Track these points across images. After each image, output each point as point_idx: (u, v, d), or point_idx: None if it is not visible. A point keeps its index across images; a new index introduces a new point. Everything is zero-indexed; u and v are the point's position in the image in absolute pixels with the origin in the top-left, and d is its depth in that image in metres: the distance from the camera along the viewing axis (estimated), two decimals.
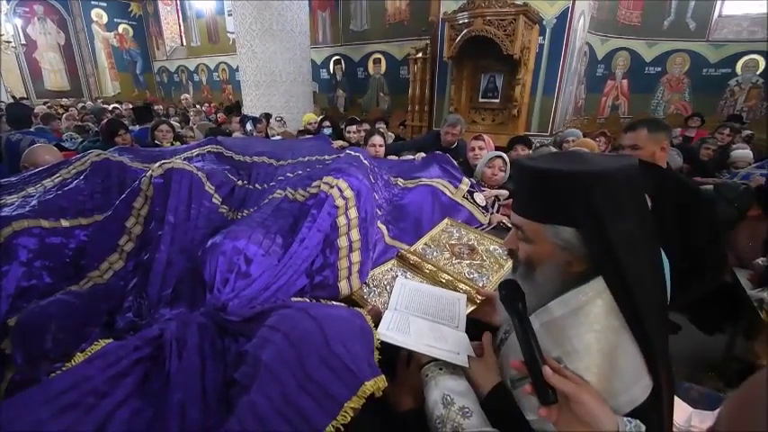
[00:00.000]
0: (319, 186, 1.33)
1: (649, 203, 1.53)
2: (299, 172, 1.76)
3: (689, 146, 5.30)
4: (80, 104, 10.28)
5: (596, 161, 0.72)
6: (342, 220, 1.24)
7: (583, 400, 0.58)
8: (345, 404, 0.61)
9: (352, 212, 1.26)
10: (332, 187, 1.28)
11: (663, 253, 1.26)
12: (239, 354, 0.74)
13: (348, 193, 1.27)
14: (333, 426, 0.58)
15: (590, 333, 0.66)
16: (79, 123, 6.28)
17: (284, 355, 0.65)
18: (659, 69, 7.74)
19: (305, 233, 1.21)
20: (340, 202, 1.25)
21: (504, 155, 2.57)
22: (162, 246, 1.11)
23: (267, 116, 5.80)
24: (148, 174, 1.34)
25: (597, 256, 0.67)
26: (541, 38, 4.96)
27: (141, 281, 1.08)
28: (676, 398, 1.48)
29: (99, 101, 11.36)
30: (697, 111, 6.99)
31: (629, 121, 7.89)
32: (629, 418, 0.60)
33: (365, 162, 1.67)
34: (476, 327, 1.04)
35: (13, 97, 8.61)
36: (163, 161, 1.41)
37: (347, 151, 1.82)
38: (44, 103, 9.62)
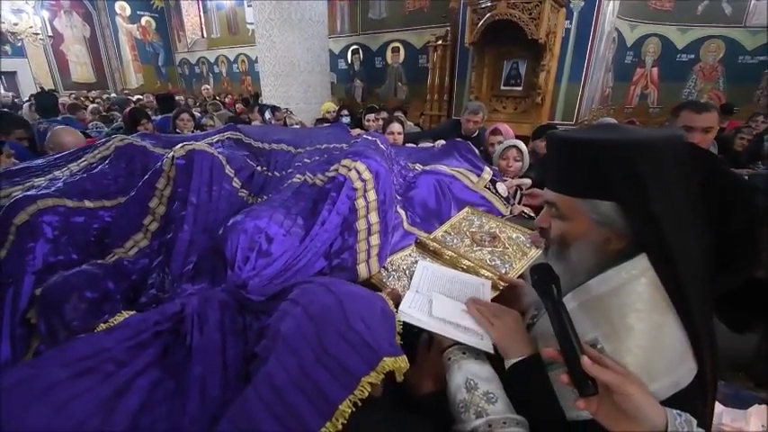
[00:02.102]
0: (337, 170, 1.31)
1: None
2: (317, 158, 1.75)
3: (722, 135, 5.06)
4: (105, 96, 10.55)
5: (638, 131, 0.67)
6: (360, 203, 1.22)
7: (628, 391, 0.54)
8: (363, 379, 0.59)
9: (371, 195, 1.24)
10: (350, 170, 1.26)
11: None
12: (261, 329, 0.73)
13: (366, 175, 1.25)
14: (350, 400, 0.57)
15: (632, 313, 0.62)
16: (104, 113, 6.43)
17: (302, 327, 0.64)
18: (692, 57, 7.37)
19: (325, 216, 1.20)
20: (358, 184, 1.24)
21: (520, 143, 2.49)
22: (185, 225, 1.12)
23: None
24: (170, 155, 1.35)
25: (639, 232, 0.63)
26: (568, 22, 4.76)
27: (165, 258, 1.09)
28: None
29: (124, 92, 11.64)
30: (730, 101, 6.63)
31: (658, 110, 7.63)
32: (679, 411, 0.56)
33: (382, 146, 1.64)
34: None
35: (42, 89, 8.90)
36: (185, 143, 1.41)
37: (364, 136, 1.80)
38: (70, 95, 9.91)
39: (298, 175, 1.47)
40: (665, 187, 0.61)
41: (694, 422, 0.55)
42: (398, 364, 0.64)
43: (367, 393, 0.58)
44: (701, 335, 0.63)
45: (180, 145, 1.39)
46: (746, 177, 3.04)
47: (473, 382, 0.74)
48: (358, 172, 1.24)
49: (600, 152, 0.63)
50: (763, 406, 1.43)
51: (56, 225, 1.21)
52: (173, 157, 1.33)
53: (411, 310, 0.87)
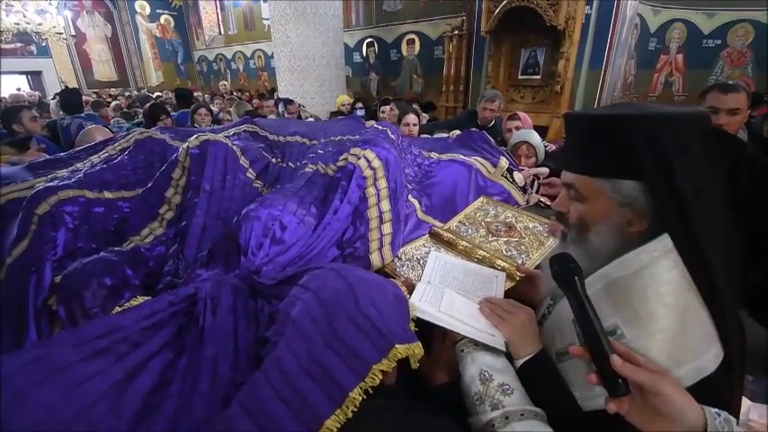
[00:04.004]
0: (347, 158, 1.30)
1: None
2: (330, 149, 1.74)
3: (750, 121, 4.82)
4: (126, 93, 10.81)
5: (660, 107, 0.64)
6: (371, 191, 1.21)
7: (664, 391, 0.50)
8: (374, 366, 0.57)
9: (382, 183, 1.23)
10: (359, 158, 1.25)
11: None
12: (272, 314, 0.73)
13: (376, 163, 1.24)
14: (361, 387, 0.56)
15: (654, 297, 0.60)
16: (126, 110, 6.59)
17: (312, 312, 0.63)
18: (719, 42, 7.05)
19: (337, 205, 1.20)
20: (368, 172, 1.23)
21: (531, 136, 2.40)
22: (198, 211, 1.14)
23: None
24: (185, 146, 1.37)
25: (664, 211, 0.60)
26: (588, 7, 4.61)
27: (179, 245, 1.10)
28: None
29: (143, 90, 11.90)
30: (760, 88, 6.31)
31: (683, 98, 7.34)
32: (718, 410, 0.52)
33: (392, 136, 1.62)
34: None
35: (66, 87, 9.19)
36: (199, 134, 1.43)
37: (374, 125, 1.78)
38: (93, 93, 10.19)
39: (310, 165, 1.47)
40: (690, 163, 0.58)
41: (734, 421, 0.52)
42: (412, 350, 0.62)
43: (378, 381, 0.57)
44: (728, 319, 0.59)
45: (195, 136, 1.41)
46: None
47: (487, 374, 0.72)
48: (367, 160, 1.23)
49: (621, 127, 0.61)
50: None
51: (76, 215, 1.24)
52: (187, 147, 1.35)
53: (422, 305, 0.85)
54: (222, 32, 13.61)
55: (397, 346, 0.60)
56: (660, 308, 0.59)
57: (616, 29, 4.76)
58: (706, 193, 0.59)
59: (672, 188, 0.58)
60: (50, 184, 1.31)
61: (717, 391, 0.57)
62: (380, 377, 0.57)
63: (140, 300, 0.75)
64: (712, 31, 7.04)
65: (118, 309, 0.73)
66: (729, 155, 1.39)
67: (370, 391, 0.56)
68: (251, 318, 0.78)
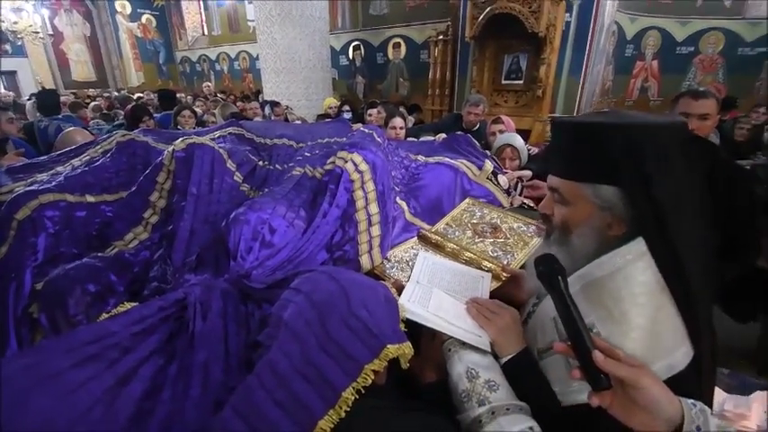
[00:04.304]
0: (334, 162, 1.31)
1: None
2: (317, 152, 1.75)
3: (721, 124, 5.03)
4: (106, 94, 10.55)
5: (643, 116, 0.67)
6: (359, 194, 1.22)
7: (643, 384, 0.53)
8: (366, 366, 0.59)
9: (369, 186, 1.24)
10: (346, 162, 1.26)
11: None
12: (263, 318, 0.74)
13: (363, 166, 1.25)
14: (353, 387, 0.57)
15: (629, 297, 0.63)
16: (105, 112, 6.43)
17: (305, 314, 0.63)
18: (692, 49, 7.34)
19: (326, 208, 1.20)
20: (355, 175, 1.24)
21: (515, 139, 2.46)
22: (185, 215, 1.13)
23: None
24: (170, 149, 1.35)
25: (639, 216, 0.63)
26: (568, 15, 4.73)
27: (166, 249, 1.09)
28: None
29: (123, 91, 11.63)
30: (731, 92, 6.60)
31: (658, 103, 7.58)
32: (693, 401, 0.55)
33: (378, 139, 1.64)
34: None
35: (43, 87, 8.92)
36: (185, 137, 1.41)
37: (361, 128, 1.80)
38: (71, 94, 9.90)
39: (298, 168, 1.47)
40: (668, 172, 0.61)
41: (708, 411, 0.55)
42: (402, 350, 0.64)
43: (370, 381, 0.58)
44: (699, 320, 0.62)
45: (180, 139, 1.39)
46: (747, 168, 3.03)
47: (474, 372, 0.74)
48: (354, 163, 1.24)
49: (603, 135, 0.63)
50: (765, 392, 1.44)
51: (57, 220, 1.21)
52: (173, 150, 1.33)
53: (410, 304, 0.87)
54: (206, 33, 13.42)
55: (388, 346, 0.61)
56: (633, 308, 0.62)
57: (595, 36, 4.90)
58: (684, 200, 0.62)
59: (649, 195, 0.61)
60: (31, 188, 1.28)
61: (687, 387, 0.59)
62: (372, 377, 0.58)
63: (127, 306, 0.75)
64: (685, 39, 7.32)
65: (105, 315, 0.72)
66: (706, 159, 1.45)
67: (363, 391, 0.57)
68: (241, 322, 0.78)
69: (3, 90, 10.14)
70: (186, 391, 0.65)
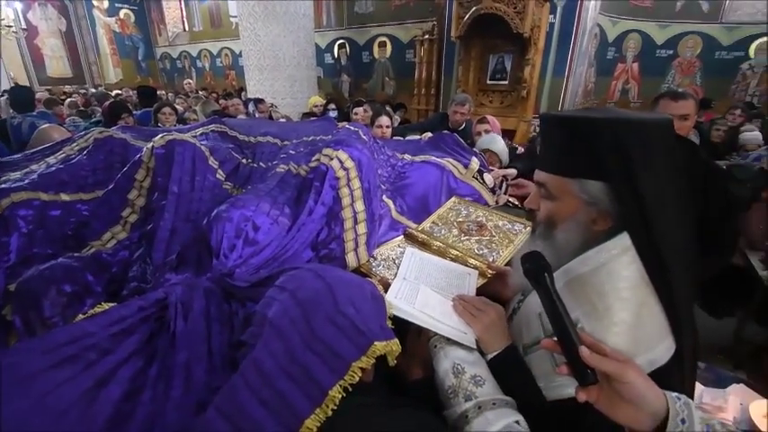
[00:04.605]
0: (319, 159, 1.30)
1: None
2: (302, 149, 1.73)
3: (699, 126, 5.19)
4: (82, 91, 10.23)
5: (629, 112, 0.68)
6: (345, 191, 1.21)
7: (629, 378, 0.53)
8: (353, 364, 0.58)
9: (355, 183, 1.23)
10: (332, 159, 1.25)
11: None
12: (247, 317, 0.72)
13: (349, 163, 1.24)
14: (341, 385, 0.56)
15: (612, 292, 0.63)
16: (82, 108, 6.24)
17: (290, 312, 0.62)
18: (671, 52, 7.57)
19: (311, 206, 1.19)
20: (341, 173, 1.23)
21: (496, 144, 2.48)
22: (166, 214, 1.10)
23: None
24: (149, 145, 1.31)
25: (624, 211, 0.63)
26: (552, 16, 4.83)
27: (146, 249, 1.06)
28: None
29: (101, 88, 11.30)
30: (708, 95, 6.82)
31: (638, 105, 7.78)
32: (677, 394, 0.56)
33: (364, 137, 1.63)
34: None
35: (16, 84, 8.60)
36: (165, 133, 1.37)
37: (346, 126, 1.79)
38: (47, 90, 9.57)
39: (282, 165, 1.45)
40: (653, 168, 0.62)
41: (692, 404, 0.55)
42: (390, 347, 0.63)
43: (357, 378, 0.57)
44: (681, 315, 0.63)
45: (160, 135, 1.35)
46: (724, 167, 3.13)
47: (460, 367, 0.74)
48: (340, 161, 1.23)
49: (589, 129, 0.64)
50: (741, 385, 1.48)
51: (30, 219, 1.16)
52: (152, 147, 1.30)
53: (398, 302, 0.86)
54: (187, 29, 13.14)
55: (375, 343, 0.60)
56: (617, 302, 0.63)
57: (578, 38, 5.00)
58: (669, 197, 0.63)
59: (635, 191, 0.61)
60: (2, 186, 1.22)
61: (669, 380, 0.60)
62: (359, 375, 0.57)
63: (105, 306, 0.72)
64: (665, 42, 7.54)
65: (81, 316, 0.69)
66: (686, 157, 1.49)
67: (350, 389, 0.56)
68: (225, 321, 0.76)
69: None
70: (167, 393, 0.63)
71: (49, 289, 0.91)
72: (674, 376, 0.64)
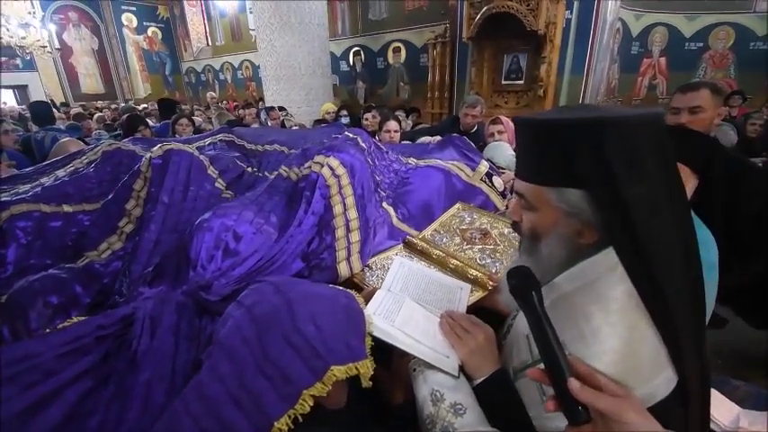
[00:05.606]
0: (310, 167, 1.26)
1: (695, 182, 1.33)
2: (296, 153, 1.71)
3: (733, 121, 4.88)
4: (113, 106, 10.72)
5: (610, 109, 0.60)
6: (336, 199, 1.17)
7: (627, 419, 0.46)
8: (304, 391, 0.52)
9: (348, 190, 1.19)
10: (322, 166, 1.22)
11: (710, 236, 1.10)
12: (213, 333, 0.68)
13: (340, 170, 1.20)
14: (289, 416, 0.50)
15: (599, 314, 0.56)
16: (109, 122, 6.50)
17: (243, 330, 0.57)
18: (701, 45, 7.19)
19: (301, 216, 1.15)
20: (332, 180, 1.19)
21: (501, 152, 2.38)
22: (152, 225, 1.09)
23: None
24: (147, 156, 1.32)
25: (609, 222, 0.55)
26: (568, 12, 4.67)
27: (129, 261, 1.05)
28: (721, 396, 1.30)
29: (130, 102, 11.81)
30: (742, 88, 6.42)
31: (668, 101, 7.42)
32: None
33: (362, 144, 1.59)
34: (484, 315, 0.94)
35: (51, 101, 9.11)
36: (164, 143, 1.38)
37: (346, 133, 1.75)
38: (80, 106, 10.08)
39: (275, 170, 1.43)
40: (638, 169, 0.54)
41: None
42: (357, 369, 0.57)
43: (309, 408, 0.51)
44: (682, 339, 0.55)
45: (158, 146, 1.36)
46: (760, 165, 2.91)
47: (439, 394, 0.68)
48: (331, 168, 1.19)
49: (564, 133, 0.56)
50: None
51: (29, 230, 1.18)
52: (150, 157, 1.30)
53: (376, 319, 0.79)
54: (210, 43, 13.59)
55: (333, 368, 0.54)
56: (605, 327, 0.55)
57: (597, 33, 4.81)
58: (658, 201, 0.55)
59: (618, 198, 0.54)
60: (4, 199, 1.25)
61: (670, 417, 0.52)
62: (310, 403, 0.51)
63: (73, 320, 0.70)
64: (694, 34, 7.18)
65: (47, 331, 0.67)
66: (700, 155, 1.35)
67: (300, 419, 0.50)
68: (193, 338, 0.73)
69: (15, 104, 10.36)
70: (122, 415, 0.60)
71: (36, 301, 0.91)
72: (676, 411, 0.56)
